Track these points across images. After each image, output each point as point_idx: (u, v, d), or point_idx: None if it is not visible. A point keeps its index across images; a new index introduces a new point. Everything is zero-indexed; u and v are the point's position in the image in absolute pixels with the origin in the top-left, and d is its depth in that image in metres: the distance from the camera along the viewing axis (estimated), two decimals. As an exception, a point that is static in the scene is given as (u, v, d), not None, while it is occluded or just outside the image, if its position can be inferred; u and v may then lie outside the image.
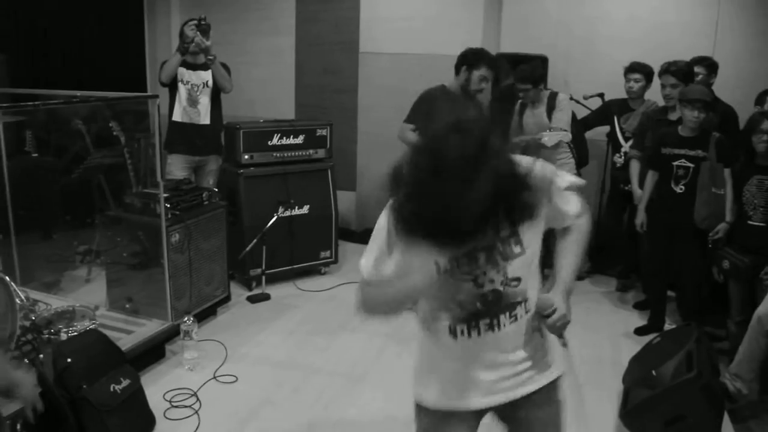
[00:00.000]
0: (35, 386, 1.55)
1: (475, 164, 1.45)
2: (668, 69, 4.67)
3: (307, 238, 5.46)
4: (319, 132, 5.53)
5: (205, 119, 5.19)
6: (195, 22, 4.96)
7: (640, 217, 4.54)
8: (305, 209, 5.43)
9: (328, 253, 5.62)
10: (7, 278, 3.48)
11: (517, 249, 1.80)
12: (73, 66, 6.12)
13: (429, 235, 1.53)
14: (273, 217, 5.11)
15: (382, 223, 1.80)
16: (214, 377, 3.89)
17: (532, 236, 1.82)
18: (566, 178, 1.90)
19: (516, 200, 1.55)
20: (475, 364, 1.91)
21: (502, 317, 1.85)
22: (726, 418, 3.55)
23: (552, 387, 2.00)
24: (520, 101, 5.07)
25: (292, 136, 5.40)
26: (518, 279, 1.82)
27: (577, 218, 1.94)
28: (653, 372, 3.35)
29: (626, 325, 4.75)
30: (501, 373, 1.91)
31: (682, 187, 4.27)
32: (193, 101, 5.11)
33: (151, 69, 7.01)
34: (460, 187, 1.43)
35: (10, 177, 4.58)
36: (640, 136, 4.82)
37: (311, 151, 5.51)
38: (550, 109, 4.90)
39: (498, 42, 5.93)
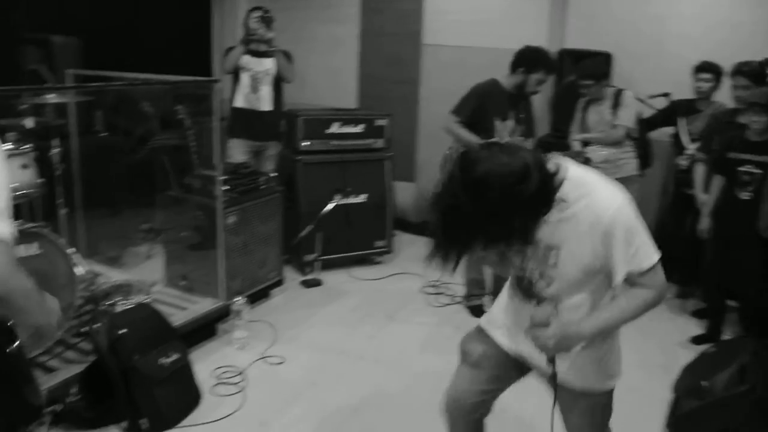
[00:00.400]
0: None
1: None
2: (740, 69, 4.51)
3: (362, 226, 5.50)
4: (378, 122, 5.56)
5: (266, 106, 5.27)
6: (259, 14, 5.04)
7: (704, 223, 4.41)
8: (362, 198, 5.47)
9: (383, 243, 5.65)
10: (70, 251, 3.62)
11: (552, 261, 1.98)
12: (142, 51, 6.28)
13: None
14: (329, 204, 5.16)
15: None
16: (262, 357, 3.97)
17: (571, 259, 1.95)
18: (640, 242, 1.91)
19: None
20: (518, 322, 2.19)
21: (532, 302, 2.07)
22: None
23: (581, 393, 2.18)
24: (584, 98, 4.97)
25: (351, 125, 5.44)
26: (551, 279, 2.01)
27: (638, 286, 1.97)
28: (703, 382, 3.25)
29: (683, 333, 4.62)
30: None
31: (748, 194, 4.12)
32: (254, 88, 5.20)
33: (218, 55, 7.14)
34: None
35: (80, 155, 4.75)
36: (707, 139, 4.67)
37: (370, 141, 5.54)
38: (615, 106, 4.78)
39: (563, 37, 5.84)
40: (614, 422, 2.74)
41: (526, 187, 1.66)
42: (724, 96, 4.77)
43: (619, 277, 1.92)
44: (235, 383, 3.66)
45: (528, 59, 4.42)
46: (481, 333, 2.34)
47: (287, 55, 5.32)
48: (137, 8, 6.42)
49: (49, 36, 5.34)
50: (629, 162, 4.86)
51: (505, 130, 4.43)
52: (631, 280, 1.94)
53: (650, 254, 1.92)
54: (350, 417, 3.42)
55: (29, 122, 3.85)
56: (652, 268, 1.92)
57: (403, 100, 6.49)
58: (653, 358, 4.24)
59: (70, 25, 5.75)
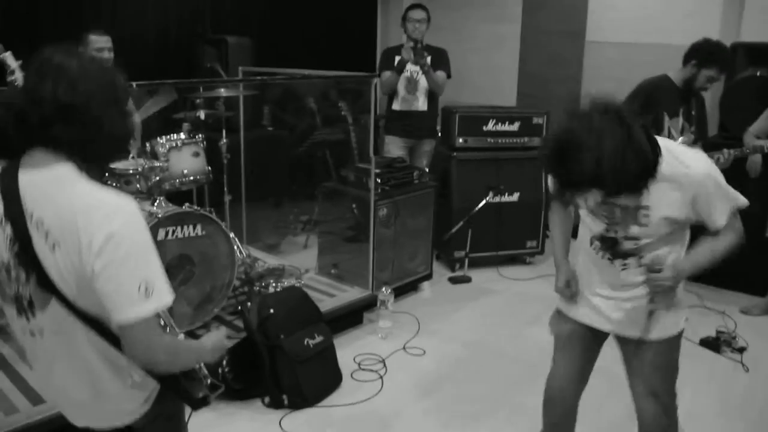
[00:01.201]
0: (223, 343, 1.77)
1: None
2: None
3: (514, 225, 5.43)
4: (536, 120, 5.47)
5: (423, 106, 5.33)
6: (411, 44, 5.03)
7: None
8: (515, 197, 5.40)
9: (534, 243, 5.55)
10: (232, 234, 3.88)
11: (643, 220, 2.16)
12: (310, 50, 6.60)
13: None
14: (482, 201, 5.15)
15: None
16: (404, 348, 4.04)
17: (661, 217, 2.14)
18: (728, 191, 2.14)
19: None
20: (593, 279, 2.39)
21: (616, 261, 2.29)
22: None
23: (660, 342, 2.33)
24: None
25: (507, 123, 5.39)
26: (636, 239, 2.21)
27: (721, 232, 2.16)
28: None
29: None
30: (606, 302, 2.36)
31: None
32: (411, 89, 5.28)
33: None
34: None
35: (246, 147, 5.08)
36: None
37: (526, 139, 5.46)
38: None
39: (738, 30, 5.44)
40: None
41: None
42: None
43: (719, 223, 2.13)
44: (376, 370, 3.75)
45: (702, 52, 4.08)
46: (561, 315, 2.56)
47: (442, 53, 5.33)
48: (306, 9, 6.73)
49: (225, 36, 5.74)
50: None
51: (673, 127, 4.20)
52: (712, 208, 2.12)
53: (736, 199, 2.15)
54: (483, 413, 3.40)
55: (202, 114, 4.17)
56: (734, 214, 2.15)
57: (565, 98, 6.33)
58: None
59: (245, 26, 6.15)
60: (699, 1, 5.53)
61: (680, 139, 4.14)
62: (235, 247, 3.94)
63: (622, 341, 2.42)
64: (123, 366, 1.60)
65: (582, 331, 2.48)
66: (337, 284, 4.47)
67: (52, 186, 1.49)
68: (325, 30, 6.92)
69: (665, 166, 1.99)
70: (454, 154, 5.30)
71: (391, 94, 5.33)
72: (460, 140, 5.31)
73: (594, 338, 2.49)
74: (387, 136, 5.45)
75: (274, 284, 3.95)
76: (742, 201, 2.15)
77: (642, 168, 1.86)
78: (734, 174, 3.46)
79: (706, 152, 4.01)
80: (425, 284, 5.00)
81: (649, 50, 5.58)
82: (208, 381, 1.71)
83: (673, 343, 2.37)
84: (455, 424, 3.32)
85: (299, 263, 4.75)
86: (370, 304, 4.33)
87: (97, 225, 1.43)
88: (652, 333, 2.30)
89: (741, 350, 4.16)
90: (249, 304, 3.49)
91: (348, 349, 3.91)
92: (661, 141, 2.03)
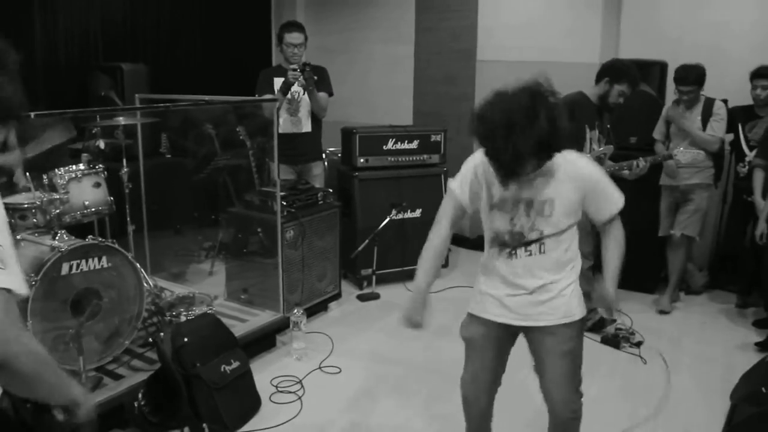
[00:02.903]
0: (93, 408, 1.53)
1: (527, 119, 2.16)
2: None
3: (418, 241, 5.42)
4: (434, 138, 5.64)
5: (307, 127, 5.25)
6: (295, 67, 4.91)
7: (761, 228, 4.34)
8: (417, 213, 5.54)
9: (437, 257, 5.69)
10: (138, 265, 3.81)
11: (547, 211, 2.40)
12: (205, 74, 6.56)
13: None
14: (386, 219, 5.26)
15: (470, 164, 2.56)
16: (320, 367, 4.07)
17: (562, 210, 2.40)
18: (613, 190, 2.47)
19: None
20: (499, 282, 2.55)
21: (519, 250, 2.48)
22: None
23: (564, 326, 2.52)
24: (673, 102, 4.95)
25: (406, 141, 5.54)
26: (541, 231, 2.43)
27: (610, 232, 2.50)
28: (763, 389, 3.20)
29: (743, 343, 4.54)
30: (512, 290, 2.52)
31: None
32: (293, 110, 5.19)
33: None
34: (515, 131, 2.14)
35: (146, 175, 4.98)
36: (765, 145, 4.61)
37: (425, 156, 5.63)
38: (706, 116, 4.78)
39: (617, 48, 5.83)
40: (678, 427, 2.73)
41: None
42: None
43: (607, 214, 2.46)
44: (294, 392, 3.77)
45: (614, 70, 4.40)
46: (471, 318, 2.68)
47: (321, 70, 5.20)
48: (200, 34, 6.69)
49: (120, 63, 5.62)
50: (707, 171, 4.84)
51: (594, 140, 4.46)
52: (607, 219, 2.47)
53: (619, 197, 2.48)
54: (404, 426, 3.48)
55: (101, 143, 4.08)
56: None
57: (459, 116, 6.55)
58: (712, 367, 4.18)
59: (138, 53, 6.05)
60: (579, 20, 5.87)
61: (600, 149, 4.41)
62: (143, 278, 3.87)
63: (531, 332, 2.58)
64: None
65: (494, 332, 2.61)
66: (247, 309, 4.44)
67: None
68: (220, 54, 6.90)
69: (565, 165, 2.38)
70: (356, 174, 5.39)
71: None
72: (361, 160, 5.41)
73: (506, 336, 2.64)
74: (273, 163, 5.37)
75: (185, 313, 3.89)
76: (622, 200, 2.47)
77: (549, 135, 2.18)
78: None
79: (624, 161, 4.36)
80: (335, 303, 5.05)
81: (535, 67, 5.81)
82: None
83: (578, 328, 2.56)
84: (377, 438, 3.38)
85: (206, 290, 4.67)
86: (282, 327, 4.33)
87: None
88: (562, 317, 2.50)
89: (638, 344, 4.46)
90: (161, 334, 3.43)
91: (264, 373, 3.90)
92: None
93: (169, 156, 5.95)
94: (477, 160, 2.51)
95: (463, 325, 2.75)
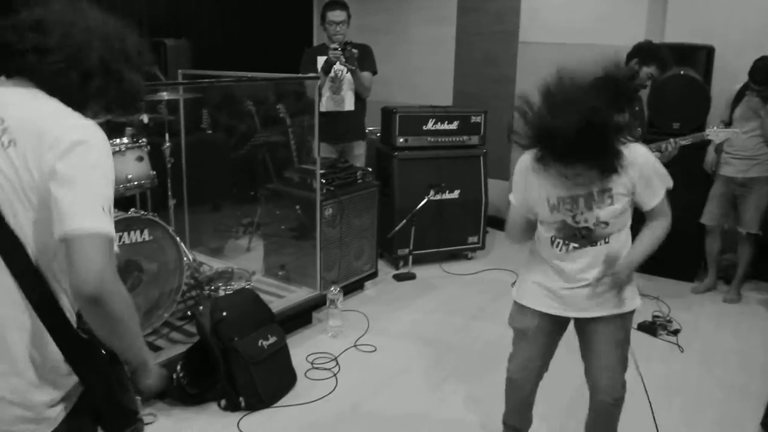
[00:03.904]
0: (160, 377, 1.59)
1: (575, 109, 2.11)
2: None
3: (455, 222, 5.55)
4: (474, 119, 5.60)
5: (350, 105, 5.23)
6: (337, 46, 4.91)
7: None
8: (455, 194, 5.52)
9: (475, 239, 5.68)
10: (178, 239, 3.86)
11: (608, 201, 2.36)
12: (247, 50, 6.57)
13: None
14: (424, 199, 5.25)
15: (520, 167, 2.50)
16: (355, 345, 4.09)
17: (621, 197, 2.37)
18: (661, 172, 2.41)
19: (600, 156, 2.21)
20: (552, 270, 2.53)
21: (583, 243, 2.45)
22: None
23: (618, 317, 2.54)
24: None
25: (446, 122, 5.50)
26: (606, 223, 2.40)
27: (655, 216, 2.45)
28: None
29: (786, 336, 4.46)
30: (570, 284, 2.50)
31: None
32: (337, 88, 5.17)
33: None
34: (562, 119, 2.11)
35: (187, 151, 5.02)
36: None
37: (465, 138, 5.59)
38: None
39: (662, 32, 5.70)
40: (712, 418, 2.69)
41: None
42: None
43: (654, 202, 2.40)
44: (329, 368, 3.79)
45: (643, 51, 4.40)
46: (523, 309, 2.66)
47: (366, 49, 5.15)
48: (243, 10, 6.70)
49: (163, 39, 5.66)
50: (766, 163, 4.72)
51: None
52: (654, 208, 2.42)
53: (667, 180, 2.43)
54: (437, 405, 3.49)
55: (145, 118, 4.12)
56: (665, 198, 2.43)
57: (500, 98, 6.48)
58: (750, 359, 4.11)
59: (182, 29, 6.08)
60: (624, 2, 5.76)
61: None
62: (183, 251, 3.92)
63: (584, 322, 2.59)
64: (42, 338, 1.44)
65: (546, 323, 2.62)
66: (285, 285, 4.48)
67: (23, 96, 1.44)
68: (262, 31, 6.91)
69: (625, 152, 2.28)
70: (395, 153, 5.38)
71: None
72: (401, 140, 5.39)
73: (558, 326, 2.65)
74: (314, 141, 5.38)
75: (224, 287, 3.94)
76: (671, 182, 2.43)
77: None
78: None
79: (653, 143, 4.29)
80: (371, 282, 5.06)
81: (578, 50, 5.76)
82: (139, 401, 1.57)
83: (629, 318, 2.59)
84: (411, 417, 3.39)
85: (244, 266, 4.71)
86: (318, 304, 4.36)
87: (66, 129, 1.37)
88: (615, 307, 2.50)
89: (675, 332, 4.39)
90: (201, 308, 3.47)
91: (299, 349, 3.93)
92: None
93: (210, 132, 5.99)
94: (525, 163, 2.47)
95: (512, 315, 2.75)
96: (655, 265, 5.18)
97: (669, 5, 5.65)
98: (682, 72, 5.11)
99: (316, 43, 7.39)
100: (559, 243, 2.49)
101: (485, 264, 5.56)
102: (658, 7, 5.69)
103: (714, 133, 4.34)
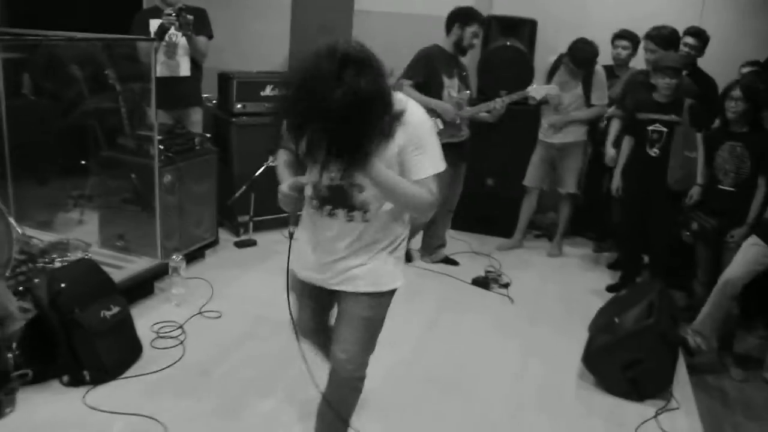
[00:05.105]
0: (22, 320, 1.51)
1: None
2: (649, 35, 4.81)
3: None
4: (311, 85, 5.64)
5: (186, 71, 5.10)
6: (171, 11, 4.75)
7: (616, 182, 4.71)
8: (291, 159, 5.55)
9: (315, 204, 5.76)
10: (3, 207, 3.63)
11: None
12: (71, 9, 6.18)
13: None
14: (263, 165, 5.25)
15: None
16: (200, 312, 4.08)
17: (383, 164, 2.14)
18: (436, 149, 2.26)
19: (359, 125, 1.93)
20: (314, 238, 2.40)
21: (340, 211, 2.30)
22: (685, 371, 3.78)
23: (367, 295, 2.39)
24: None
25: (284, 88, 5.50)
26: (361, 187, 2.23)
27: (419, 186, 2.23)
28: (615, 319, 3.55)
29: (599, 284, 4.96)
30: (325, 258, 2.38)
31: (657, 151, 4.44)
32: (171, 53, 5.00)
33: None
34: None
35: (8, 118, 4.68)
36: (623, 98, 4.97)
37: (302, 103, 5.62)
38: (587, 84, 5.06)
39: (490, 4, 6.03)
40: (542, 358, 2.96)
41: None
42: (641, 63, 5.07)
43: (415, 176, 2.20)
44: (175, 336, 3.76)
45: (461, 14, 4.67)
46: (295, 277, 2.55)
47: (200, 12, 5.05)
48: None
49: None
50: (581, 128, 5.13)
51: (453, 88, 4.65)
52: (414, 166, 2.21)
53: (439, 161, 2.26)
54: (288, 363, 3.56)
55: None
56: (434, 178, 2.24)
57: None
58: (571, 305, 4.55)
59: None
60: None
61: (458, 95, 4.62)
62: (10, 222, 3.70)
63: (340, 295, 2.45)
64: None
65: (310, 288, 2.53)
66: (124, 256, 4.35)
67: None
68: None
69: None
70: (233, 119, 5.33)
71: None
72: (239, 106, 5.35)
73: (327, 295, 2.53)
74: (150, 108, 5.21)
75: (59, 259, 3.77)
76: (443, 166, 2.27)
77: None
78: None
79: (482, 104, 4.57)
80: (212, 250, 5.03)
81: (411, 20, 5.98)
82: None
83: (385, 300, 2.45)
84: (261, 378, 3.46)
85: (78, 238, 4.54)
86: (160, 273, 4.28)
87: None
88: (368, 285, 2.39)
89: (506, 285, 4.76)
90: (36, 281, 3.32)
91: (144, 320, 3.86)
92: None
93: (33, 98, 5.62)
94: None
95: (291, 281, 2.63)
96: (488, 225, 5.63)
97: (497, -21, 5.99)
98: (508, 43, 5.46)
99: (146, 5, 7.09)
100: (314, 204, 2.36)
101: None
102: (487, -20, 6.01)
103: (534, 90, 4.71)
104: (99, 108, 5.70)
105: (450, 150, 4.66)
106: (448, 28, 4.68)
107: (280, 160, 2.44)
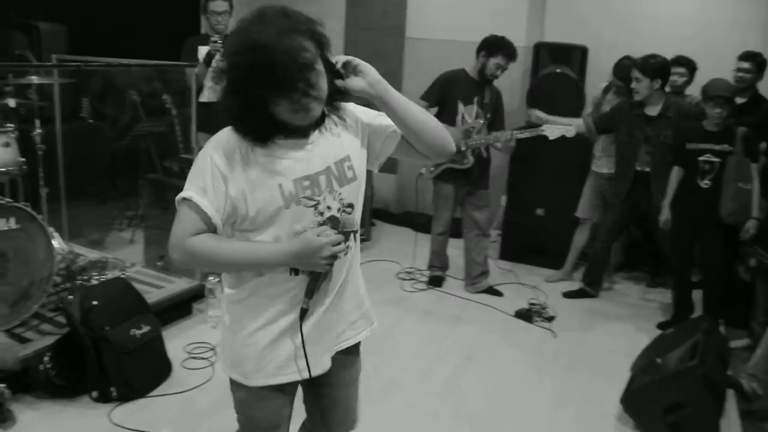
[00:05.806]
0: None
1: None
2: (636, 63, 4.59)
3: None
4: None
5: None
6: (217, 38, 4.86)
7: (665, 214, 4.49)
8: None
9: (361, 231, 5.72)
10: (52, 229, 3.72)
11: (350, 174, 1.84)
12: (129, 38, 6.36)
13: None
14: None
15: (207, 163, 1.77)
16: (234, 335, 4.06)
17: (360, 164, 1.88)
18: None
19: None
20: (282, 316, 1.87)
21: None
22: (737, 417, 3.55)
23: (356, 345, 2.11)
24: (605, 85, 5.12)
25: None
26: (351, 206, 1.85)
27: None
28: (657, 360, 3.36)
29: (650, 321, 4.74)
30: (331, 330, 1.96)
31: (708, 182, 4.23)
32: (218, 79, 5.00)
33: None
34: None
35: (66, 140, 4.83)
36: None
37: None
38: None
39: (542, 31, 5.95)
40: (580, 396, 2.80)
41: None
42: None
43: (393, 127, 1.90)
44: (206, 358, 3.76)
45: (488, 44, 4.64)
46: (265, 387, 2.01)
47: None
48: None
49: (36, 22, 5.43)
50: None
51: (467, 113, 4.61)
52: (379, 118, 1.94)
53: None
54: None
55: (11, 102, 3.95)
56: None
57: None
58: (617, 343, 4.36)
59: (57, 12, 5.83)
60: (507, 2, 5.97)
61: (469, 123, 4.65)
62: (54, 241, 3.78)
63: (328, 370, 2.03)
64: None
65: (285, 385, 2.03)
66: (164, 276, 4.40)
67: None
68: (145, 17, 6.70)
69: (343, 108, 1.86)
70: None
71: (198, 88, 5.01)
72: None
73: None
74: (199, 132, 5.26)
75: (96, 277, 3.84)
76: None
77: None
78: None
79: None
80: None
81: (462, 47, 5.92)
82: None
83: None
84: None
85: (126, 258, 4.61)
86: (198, 294, 4.32)
87: None
88: (366, 323, 2.10)
89: (550, 319, 4.60)
90: (71, 297, 3.38)
91: (178, 340, 3.89)
92: None
93: (91, 121, 5.80)
94: (213, 147, 1.80)
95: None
96: (537, 256, 5.49)
97: (547, 6, 5.91)
98: (558, 70, 5.36)
99: (203, 29, 7.26)
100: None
101: (370, 256, 5.62)
102: (538, 8, 5.94)
103: (549, 129, 4.58)
104: (153, 131, 5.85)
105: (452, 174, 4.72)
106: (477, 54, 4.67)
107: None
